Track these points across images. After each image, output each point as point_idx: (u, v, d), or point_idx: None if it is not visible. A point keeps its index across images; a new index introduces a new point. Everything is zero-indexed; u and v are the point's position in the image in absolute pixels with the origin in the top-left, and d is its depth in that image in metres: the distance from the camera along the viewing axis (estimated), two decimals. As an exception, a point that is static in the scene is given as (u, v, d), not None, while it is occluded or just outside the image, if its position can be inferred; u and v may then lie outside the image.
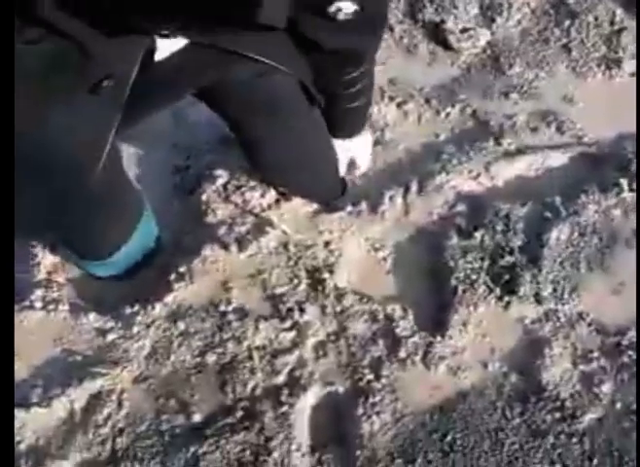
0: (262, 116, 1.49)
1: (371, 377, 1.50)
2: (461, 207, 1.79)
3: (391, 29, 2.26)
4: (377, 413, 1.45)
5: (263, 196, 1.78)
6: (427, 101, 2.06)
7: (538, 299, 1.62)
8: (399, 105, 2.04)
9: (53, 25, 1.09)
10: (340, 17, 1.23)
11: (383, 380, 1.49)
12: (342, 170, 1.82)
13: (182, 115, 1.96)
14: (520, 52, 2.23)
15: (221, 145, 1.90)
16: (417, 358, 1.53)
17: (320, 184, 1.80)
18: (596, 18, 2.27)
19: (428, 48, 2.24)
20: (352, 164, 1.82)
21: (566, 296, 1.63)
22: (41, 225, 1.52)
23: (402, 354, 1.53)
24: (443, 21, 2.24)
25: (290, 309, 1.59)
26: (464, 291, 1.62)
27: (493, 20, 2.29)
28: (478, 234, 1.72)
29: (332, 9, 1.22)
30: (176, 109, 1.96)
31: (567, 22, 2.28)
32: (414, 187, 1.81)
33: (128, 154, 1.86)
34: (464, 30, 2.24)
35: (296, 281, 1.63)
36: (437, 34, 2.25)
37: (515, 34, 2.27)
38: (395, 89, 2.09)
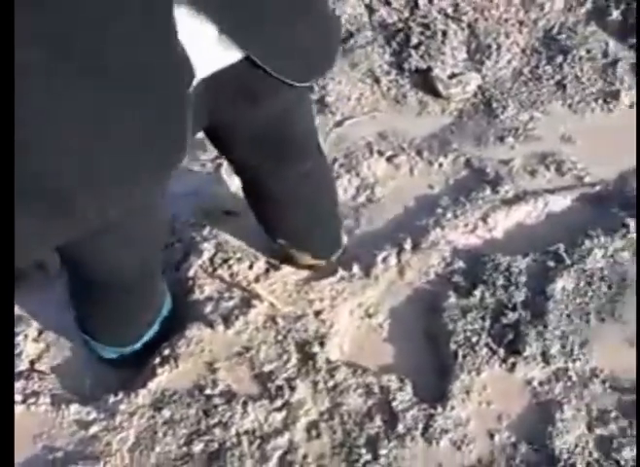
0: (275, 157, 1.35)
1: (368, 457, 1.39)
2: (458, 264, 1.69)
3: (377, 81, 2.19)
4: (377, 498, 1.35)
5: (250, 267, 1.70)
6: (418, 153, 1.98)
7: (545, 358, 1.51)
8: (389, 159, 1.97)
9: None
10: None
11: (382, 460, 1.38)
12: None
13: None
14: (513, 93, 2.14)
15: (206, 217, 1.83)
16: (417, 433, 1.42)
17: (328, 232, 1.70)
18: (589, 52, 2.19)
19: (417, 97, 2.17)
20: None
21: (576, 352, 1.51)
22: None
23: (400, 429, 1.42)
24: (430, 69, 2.17)
25: (279, 388, 1.49)
26: (464, 355, 1.51)
27: (482, 63, 2.21)
28: (477, 292, 1.62)
29: None
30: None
31: (559, 58, 2.20)
32: (408, 245, 1.72)
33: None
34: (452, 76, 2.17)
35: (285, 357, 1.54)
36: (425, 82, 2.18)
37: (506, 75, 2.20)
38: (384, 142, 2.02)
